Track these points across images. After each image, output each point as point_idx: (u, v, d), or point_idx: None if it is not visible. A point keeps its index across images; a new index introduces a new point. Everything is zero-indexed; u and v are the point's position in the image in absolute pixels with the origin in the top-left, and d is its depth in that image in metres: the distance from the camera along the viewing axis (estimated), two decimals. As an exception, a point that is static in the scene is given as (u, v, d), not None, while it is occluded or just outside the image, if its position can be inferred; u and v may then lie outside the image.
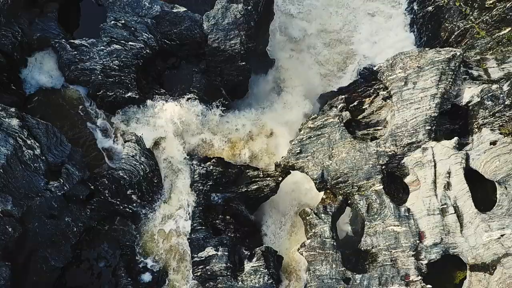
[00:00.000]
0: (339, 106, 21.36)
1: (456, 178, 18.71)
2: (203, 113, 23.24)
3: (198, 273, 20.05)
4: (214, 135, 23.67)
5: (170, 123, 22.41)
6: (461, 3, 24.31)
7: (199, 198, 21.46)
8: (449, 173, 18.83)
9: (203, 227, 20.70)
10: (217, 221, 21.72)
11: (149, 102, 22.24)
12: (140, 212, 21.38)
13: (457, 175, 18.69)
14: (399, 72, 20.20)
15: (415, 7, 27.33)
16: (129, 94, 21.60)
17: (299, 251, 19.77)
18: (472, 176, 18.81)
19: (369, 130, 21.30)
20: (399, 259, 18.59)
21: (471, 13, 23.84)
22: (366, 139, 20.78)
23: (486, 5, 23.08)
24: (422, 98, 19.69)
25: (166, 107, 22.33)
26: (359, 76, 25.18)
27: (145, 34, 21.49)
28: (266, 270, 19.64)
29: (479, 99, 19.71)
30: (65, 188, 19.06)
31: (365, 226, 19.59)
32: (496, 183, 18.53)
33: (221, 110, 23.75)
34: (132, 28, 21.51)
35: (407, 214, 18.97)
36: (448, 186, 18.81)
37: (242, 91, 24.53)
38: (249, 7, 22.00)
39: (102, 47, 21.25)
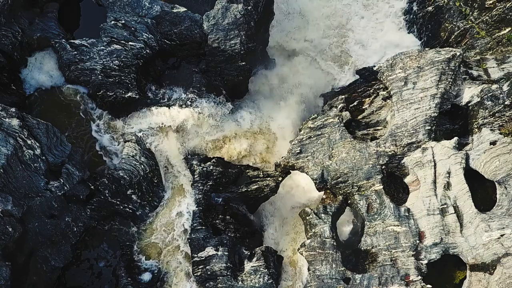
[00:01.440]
0: (339, 106, 21.38)
1: (456, 178, 18.72)
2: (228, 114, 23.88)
3: (198, 273, 20.06)
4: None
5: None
6: (461, 3, 24.31)
7: (199, 198, 21.48)
8: (449, 173, 18.84)
9: (203, 227, 20.71)
10: (217, 221, 21.73)
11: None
12: (140, 212, 21.38)
13: (457, 175, 18.70)
14: (399, 72, 20.22)
15: (415, 8, 27.33)
16: (129, 94, 21.59)
17: (299, 251, 19.78)
18: (472, 176, 18.83)
19: (369, 130, 21.31)
20: (399, 259, 18.60)
21: (471, 13, 23.85)
22: (366, 139, 20.80)
23: (486, 5, 23.08)
24: (422, 98, 19.70)
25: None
26: (358, 76, 25.23)
27: (145, 34, 21.49)
28: (266, 270, 19.65)
29: (479, 99, 19.73)
30: (65, 188, 19.08)
31: (365, 226, 19.60)
32: (496, 183, 18.53)
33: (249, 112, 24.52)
34: (132, 28, 21.51)
35: (407, 214, 18.98)
36: (448, 186, 18.82)
37: (242, 91, 24.54)
38: (249, 7, 22.01)
39: (102, 47, 21.25)
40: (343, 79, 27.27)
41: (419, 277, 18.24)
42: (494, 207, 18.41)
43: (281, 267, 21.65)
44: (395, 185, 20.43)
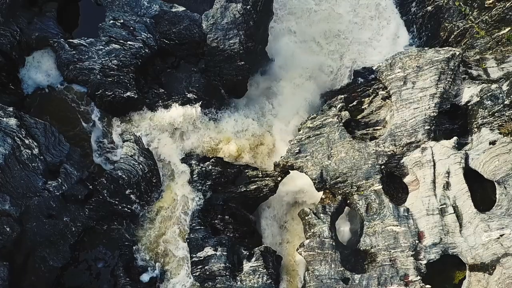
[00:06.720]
0: (338, 106, 21.32)
1: (455, 178, 18.67)
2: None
3: (197, 273, 20.02)
4: None
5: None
6: (461, 3, 24.28)
7: (198, 197, 21.43)
8: (448, 173, 18.79)
9: (202, 227, 20.68)
10: (216, 221, 21.69)
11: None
12: (138, 211, 21.32)
13: (457, 175, 18.66)
14: (398, 72, 20.17)
15: (414, 7, 27.29)
16: (128, 93, 21.55)
17: (298, 251, 19.74)
18: (471, 176, 18.77)
19: (368, 130, 21.27)
20: (398, 259, 18.56)
21: (470, 13, 23.82)
22: (365, 139, 20.76)
23: (486, 5, 23.06)
24: (421, 97, 19.66)
25: None
26: (357, 77, 25.29)
27: (144, 34, 21.46)
28: (265, 270, 19.61)
29: (478, 99, 19.68)
30: (64, 187, 19.05)
31: (364, 226, 19.56)
32: (495, 183, 18.49)
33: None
34: (131, 28, 21.49)
35: (406, 214, 18.94)
36: (447, 186, 18.78)
37: (241, 91, 24.48)
38: (248, 7, 21.96)
39: (100, 47, 21.22)
40: (344, 80, 27.14)
41: (418, 277, 18.21)
42: (493, 207, 18.37)
43: (280, 267, 21.59)
44: (395, 185, 20.40)
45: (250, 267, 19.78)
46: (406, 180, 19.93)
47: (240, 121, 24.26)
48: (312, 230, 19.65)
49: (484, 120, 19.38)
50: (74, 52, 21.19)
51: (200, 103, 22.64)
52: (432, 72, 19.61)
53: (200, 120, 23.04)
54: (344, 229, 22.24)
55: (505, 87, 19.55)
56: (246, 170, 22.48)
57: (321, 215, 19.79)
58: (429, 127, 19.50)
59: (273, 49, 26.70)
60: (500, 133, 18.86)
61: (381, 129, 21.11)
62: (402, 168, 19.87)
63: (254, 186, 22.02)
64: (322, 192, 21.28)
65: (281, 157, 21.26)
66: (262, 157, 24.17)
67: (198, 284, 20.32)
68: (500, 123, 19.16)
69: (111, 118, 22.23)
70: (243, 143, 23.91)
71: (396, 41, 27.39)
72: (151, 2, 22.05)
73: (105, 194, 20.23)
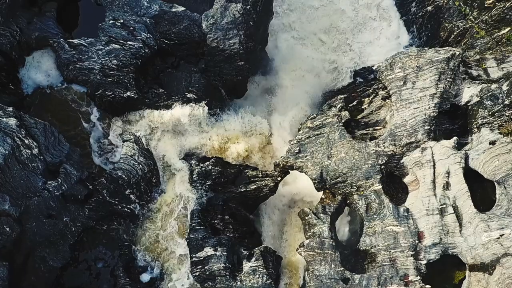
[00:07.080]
0: (338, 106, 21.32)
1: (455, 178, 18.66)
2: None
3: (197, 273, 20.00)
4: None
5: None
6: (461, 3, 24.27)
7: (198, 197, 21.42)
8: (448, 173, 18.77)
9: (202, 227, 20.66)
10: (216, 221, 21.68)
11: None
12: (138, 211, 21.32)
13: (456, 175, 18.64)
14: (398, 72, 20.17)
15: (414, 7, 27.28)
16: (128, 93, 21.55)
17: (298, 251, 19.73)
18: (471, 176, 18.76)
19: (368, 130, 21.27)
20: (398, 259, 18.54)
21: (470, 13, 23.81)
22: (365, 139, 20.75)
23: (486, 5, 23.04)
24: (421, 97, 19.65)
25: None
26: (356, 76, 25.27)
27: (144, 34, 21.46)
28: (265, 270, 19.59)
29: (478, 99, 19.68)
30: (63, 187, 19.06)
31: (364, 226, 19.55)
32: (495, 183, 18.47)
33: None
34: (131, 28, 21.49)
35: (406, 214, 18.93)
36: (447, 186, 18.76)
37: (241, 91, 24.48)
38: (248, 7, 21.96)
39: (100, 47, 21.23)
40: (343, 80, 27.12)
41: (418, 277, 18.18)
42: (493, 207, 18.34)
43: (280, 267, 21.59)
44: (394, 185, 20.37)
45: (250, 267, 19.77)
46: (406, 180, 19.92)
47: (247, 120, 24.26)
48: (312, 230, 19.64)
49: (484, 120, 19.37)
50: (74, 52, 21.19)
51: (206, 101, 22.58)
52: (432, 72, 19.61)
53: (206, 122, 23.04)
54: (344, 229, 22.22)
55: (505, 87, 19.54)
56: (246, 170, 22.47)
57: (321, 215, 19.78)
58: (429, 127, 19.49)
59: (273, 45, 26.66)
60: (500, 133, 18.84)
61: (381, 129, 21.11)
62: (402, 168, 19.86)
63: (254, 186, 22.01)
64: (322, 192, 21.28)
65: (281, 157, 21.26)
66: (270, 156, 24.17)
67: (198, 285, 20.30)
68: (500, 123, 19.15)
69: (111, 118, 22.22)
70: (252, 141, 23.92)
71: (396, 41, 27.41)
72: (151, 2, 22.06)
73: (105, 194, 20.24)
